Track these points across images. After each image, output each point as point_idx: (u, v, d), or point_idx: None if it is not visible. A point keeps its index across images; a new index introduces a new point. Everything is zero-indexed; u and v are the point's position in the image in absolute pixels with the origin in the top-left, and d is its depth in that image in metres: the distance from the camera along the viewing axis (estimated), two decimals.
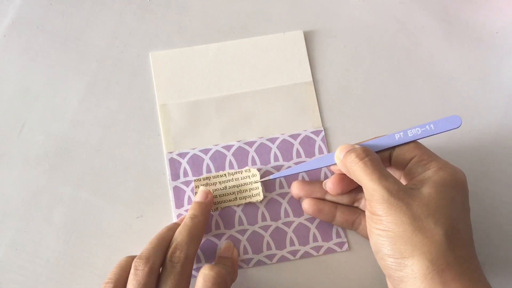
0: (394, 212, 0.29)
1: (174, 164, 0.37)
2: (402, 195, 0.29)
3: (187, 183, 0.37)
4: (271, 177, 0.36)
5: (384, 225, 0.29)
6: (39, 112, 0.39)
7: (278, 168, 0.38)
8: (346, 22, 0.42)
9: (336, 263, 0.36)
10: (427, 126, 0.32)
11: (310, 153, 0.38)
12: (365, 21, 0.42)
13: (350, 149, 0.32)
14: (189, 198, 0.37)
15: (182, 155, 0.38)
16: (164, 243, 0.32)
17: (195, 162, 0.38)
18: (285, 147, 0.38)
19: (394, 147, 0.33)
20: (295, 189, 0.36)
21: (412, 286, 0.28)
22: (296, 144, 0.38)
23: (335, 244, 0.37)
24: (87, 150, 0.38)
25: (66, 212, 0.36)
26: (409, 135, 0.32)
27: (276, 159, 0.38)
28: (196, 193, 0.37)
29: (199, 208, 0.34)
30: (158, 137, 0.38)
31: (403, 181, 0.33)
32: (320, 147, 0.38)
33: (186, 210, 0.37)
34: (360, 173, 0.30)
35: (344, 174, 0.33)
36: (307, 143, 0.38)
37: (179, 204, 0.37)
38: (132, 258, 0.32)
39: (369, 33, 0.42)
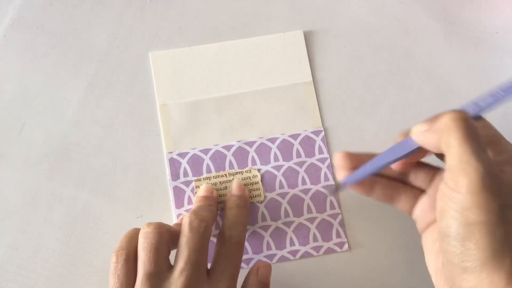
0: (484, 195, 0.23)
1: (174, 164, 0.37)
2: (495, 176, 0.24)
3: (187, 183, 0.37)
4: (345, 183, 0.32)
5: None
6: (39, 112, 0.39)
7: (278, 168, 0.38)
8: (346, 22, 0.42)
9: (336, 263, 0.36)
10: (496, 94, 0.26)
11: (310, 153, 0.38)
12: (365, 21, 0.42)
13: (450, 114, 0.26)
14: (189, 198, 0.37)
15: (182, 155, 0.38)
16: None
17: (195, 162, 0.38)
18: (285, 147, 0.38)
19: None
20: (340, 160, 0.32)
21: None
22: (296, 144, 0.38)
23: (335, 244, 0.37)
24: (87, 150, 0.38)
25: (66, 212, 0.36)
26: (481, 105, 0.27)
27: (276, 159, 0.38)
28: (196, 193, 0.37)
29: (207, 200, 0.35)
30: (158, 137, 0.38)
31: None
32: (320, 147, 0.38)
33: (187, 210, 0.37)
34: (457, 140, 0.24)
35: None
36: (307, 143, 0.38)
37: (179, 204, 0.37)
38: (138, 229, 0.31)
39: (369, 33, 0.42)
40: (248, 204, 0.36)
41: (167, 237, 0.30)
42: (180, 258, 0.29)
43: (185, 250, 0.29)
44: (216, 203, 0.35)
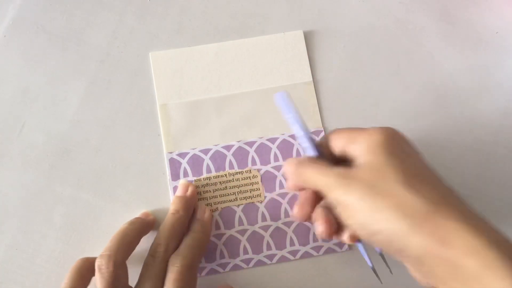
0: (352, 192, 0.27)
1: (174, 164, 0.38)
2: (347, 173, 0.28)
3: None
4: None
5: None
6: (39, 112, 0.39)
7: (278, 168, 0.38)
8: (346, 22, 0.42)
9: (336, 263, 0.36)
10: None
11: None
12: (365, 21, 0.42)
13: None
14: None
15: (182, 155, 0.38)
16: (127, 237, 0.32)
17: (195, 162, 0.38)
18: (285, 147, 0.38)
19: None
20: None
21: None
22: (296, 144, 0.38)
23: (335, 244, 0.37)
24: (87, 150, 0.38)
25: (66, 212, 0.36)
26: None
27: (276, 159, 0.38)
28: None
29: (180, 203, 0.35)
30: (158, 137, 0.38)
31: None
32: None
33: None
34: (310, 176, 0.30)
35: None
36: None
37: None
38: (87, 259, 0.32)
39: (369, 33, 0.42)
40: (187, 205, 0.35)
41: (123, 271, 0.31)
42: None
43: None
44: (191, 202, 0.35)
